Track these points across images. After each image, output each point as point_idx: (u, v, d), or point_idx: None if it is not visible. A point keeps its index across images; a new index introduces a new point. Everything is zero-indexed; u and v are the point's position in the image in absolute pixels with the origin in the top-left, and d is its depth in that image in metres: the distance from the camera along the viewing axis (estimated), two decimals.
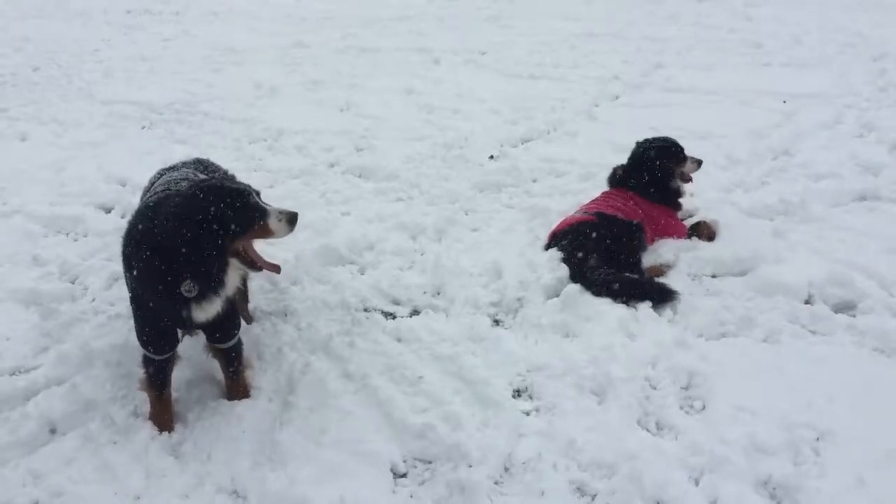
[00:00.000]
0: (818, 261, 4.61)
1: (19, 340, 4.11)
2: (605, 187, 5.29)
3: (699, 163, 5.23)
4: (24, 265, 4.90)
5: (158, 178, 3.92)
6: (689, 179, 5.25)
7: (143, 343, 3.36)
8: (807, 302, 4.29)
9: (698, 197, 5.69)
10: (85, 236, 5.38)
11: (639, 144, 5.25)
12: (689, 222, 5.21)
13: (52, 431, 3.48)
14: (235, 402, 3.60)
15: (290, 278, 4.74)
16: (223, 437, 3.41)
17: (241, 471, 3.21)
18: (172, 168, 4.06)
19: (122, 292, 4.30)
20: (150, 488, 3.15)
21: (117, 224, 5.40)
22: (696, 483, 3.07)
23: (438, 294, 4.60)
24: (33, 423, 3.46)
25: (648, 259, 4.83)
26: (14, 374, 3.86)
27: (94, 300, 4.45)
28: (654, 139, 5.25)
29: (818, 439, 3.23)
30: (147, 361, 3.41)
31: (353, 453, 3.29)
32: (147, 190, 3.91)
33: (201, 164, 4.16)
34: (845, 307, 4.23)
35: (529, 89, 9.16)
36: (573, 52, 10.91)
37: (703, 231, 5.06)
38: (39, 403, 3.58)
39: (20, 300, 4.47)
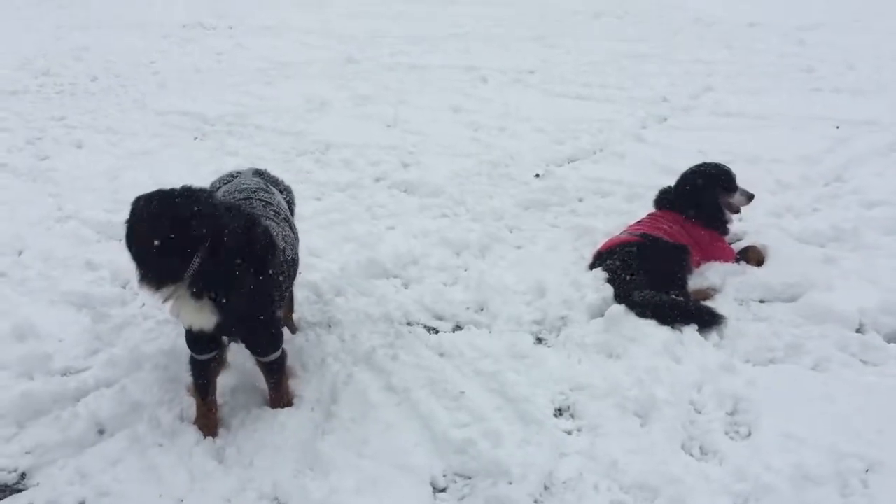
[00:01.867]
0: (870, 289, 4.51)
1: (71, 342, 4.21)
2: (651, 209, 5.25)
3: (750, 197, 5.14)
4: (78, 269, 5.03)
5: (228, 182, 4.01)
6: (737, 211, 5.16)
7: (188, 342, 3.44)
8: (858, 331, 4.20)
9: (747, 221, 5.61)
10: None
11: (689, 169, 5.21)
12: (737, 246, 5.14)
13: (100, 432, 3.56)
14: (279, 410, 3.64)
15: (334, 289, 4.79)
16: (266, 444, 3.45)
17: (282, 478, 3.24)
18: (234, 175, 4.13)
19: None
20: (193, 491, 3.20)
21: None
22: None
23: (481, 310, 4.60)
24: (82, 424, 3.55)
25: (695, 283, 4.78)
26: (65, 374, 3.95)
27: (143, 305, 4.55)
28: (706, 165, 5.21)
29: (867, 471, 3.16)
30: (192, 363, 3.49)
31: (393, 465, 3.31)
32: (218, 184, 4.06)
33: (260, 175, 4.18)
34: None
35: (576, 109, 9.14)
36: (621, 73, 10.87)
37: (752, 256, 5.00)
38: (89, 404, 3.67)
39: (73, 303, 4.59)
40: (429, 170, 7.02)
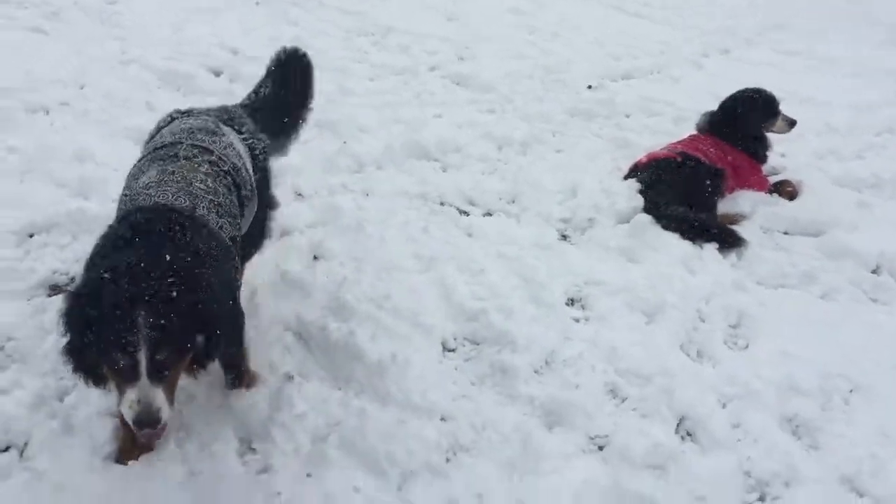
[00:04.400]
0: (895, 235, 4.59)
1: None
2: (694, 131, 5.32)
3: (792, 123, 5.19)
4: (138, 109, 5.24)
5: (169, 123, 3.17)
6: (783, 132, 5.21)
7: None
8: (874, 271, 4.31)
9: (789, 158, 5.67)
10: (194, 94, 5.70)
11: (732, 94, 5.25)
12: (773, 179, 5.21)
13: None
14: (314, 263, 3.89)
15: (376, 163, 4.99)
16: (295, 289, 3.70)
17: (309, 319, 3.49)
18: (188, 114, 3.25)
19: None
20: None
21: (225, 87, 5.70)
22: (724, 406, 3.24)
23: (513, 202, 4.77)
24: None
25: (725, 206, 4.89)
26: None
27: None
28: (749, 90, 5.24)
29: (851, 391, 3.36)
30: None
31: (409, 322, 3.56)
32: (153, 135, 3.16)
33: (227, 115, 3.28)
34: None
35: (633, 27, 9.04)
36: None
37: (786, 189, 5.07)
38: None
39: (132, 138, 4.80)
40: (483, 66, 7.07)
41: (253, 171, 3.15)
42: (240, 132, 3.20)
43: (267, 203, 3.36)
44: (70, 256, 3.72)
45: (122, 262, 2.25)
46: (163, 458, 2.67)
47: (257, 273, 3.68)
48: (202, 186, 2.69)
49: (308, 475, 2.74)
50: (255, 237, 3.28)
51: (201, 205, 2.63)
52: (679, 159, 4.85)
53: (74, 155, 4.45)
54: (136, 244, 2.35)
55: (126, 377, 2.21)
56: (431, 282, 3.86)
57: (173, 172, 2.68)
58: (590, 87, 6.88)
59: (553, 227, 4.53)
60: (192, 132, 2.95)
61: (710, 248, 4.34)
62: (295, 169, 4.75)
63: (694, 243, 4.38)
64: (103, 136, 4.79)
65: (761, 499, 2.86)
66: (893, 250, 4.40)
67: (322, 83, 6.04)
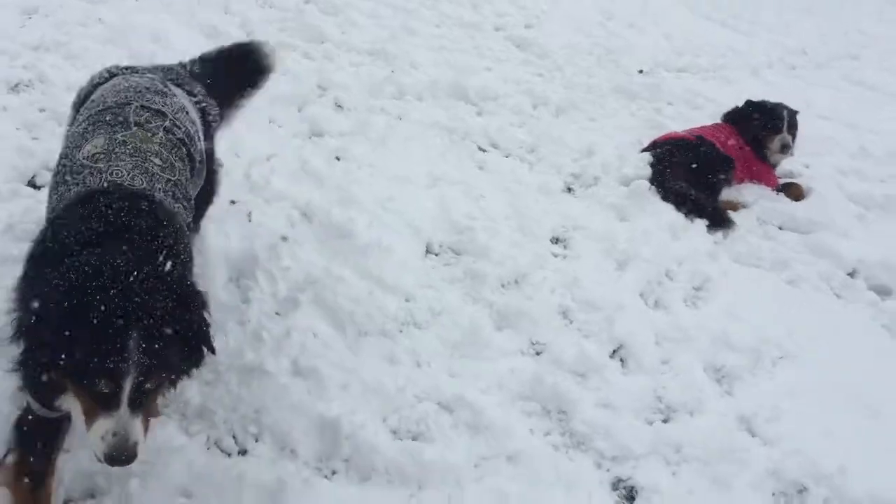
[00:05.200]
0: (881, 248, 4.78)
1: None
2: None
3: (785, 146, 5.27)
4: (216, 9, 5.80)
5: (108, 80, 2.74)
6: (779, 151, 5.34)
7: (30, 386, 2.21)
8: (849, 274, 4.53)
9: (811, 169, 5.86)
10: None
11: (754, 99, 5.49)
12: (784, 181, 5.44)
13: None
14: (335, 162, 4.37)
15: (418, 95, 5.43)
16: (313, 179, 4.18)
17: (316, 203, 3.96)
18: (130, 70, 2.86)
19: None
20: None
21: None
22: (658, 344, 3.60)
23: (532, 152, 5.15)
24: None
25: (729, 194, 5.16)
26: None
27: None
28: (766, 103, 5.44)
29: (781, 357, 3.66)
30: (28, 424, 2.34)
31: (404, 223, 4.01)
32: (87, 93, 2.75)
33: (174, 75, 2.94)
34: (881, 290, 4.43)
35: (708, 30, 9.23)
36: (778, 15, 10.71)
37: (793, 191, 5.31)
38: None
39: (205, 33, 5.39)
40: (546, 35, 7.43)
41: (204, 137, 2.81)
42: (191, 94, 2.82)
43: (214, 167, 3.08)
44: None
45: (103, 265, 1.89)
46: None
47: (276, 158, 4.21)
48: (158, 162, 2.33)
49: (277, 313, 3.22)
50: (207, 194, 3.05)
51: (158, 186, 2.27)
52: (694, 141, 5.15)
53: (152, 36, 5.01)
54: (108, 241, 1.99)
55: (102, 404, 1.87)
56: (434, 196, 4.30)
57: (125, 142, 2.31)
58: (641, 71, 7.16)
59: (562, 178, 4.90)
60: (140, 92, 2.56)
61: (700, 224, 4.64)
62: (341, 86, 5.25)
63: (686, 216, 4.69)
64: (180, 24, 5.34)
65: (665, 420, 3.21)
66: (875, 260, 4.60)
67: (389, 20, 6.55)
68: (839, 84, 8.57)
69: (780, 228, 4.94)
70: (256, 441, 2.70)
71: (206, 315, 2.05)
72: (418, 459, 2.68)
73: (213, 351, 2.07)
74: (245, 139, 4.31)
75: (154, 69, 2.92)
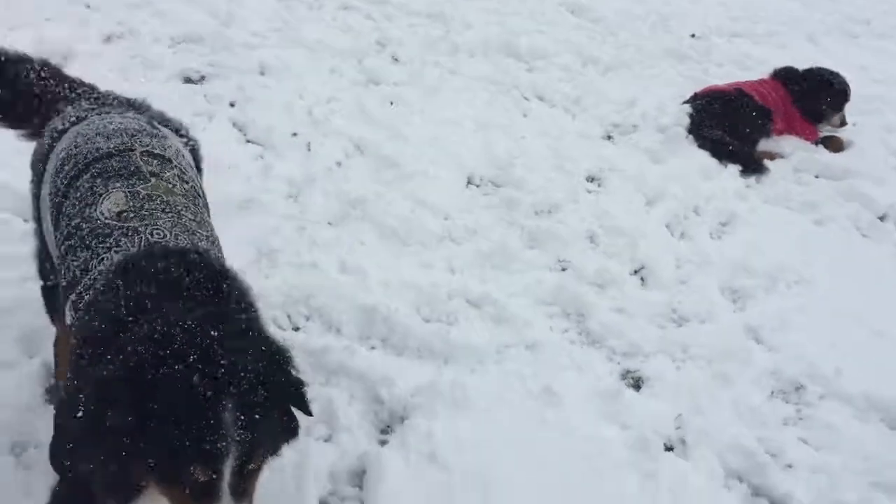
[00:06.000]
0: None
1: (258, 22, 5.50)
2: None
3: (843, 123, 5.49)
4: None
5: (80, 121, 2.28)
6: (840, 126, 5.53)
7: None
8: (880, 218, 4.68)
9: (858, 127, 5.93)
10: None
11: (822, 68, 5.63)
12: (825, 134, 5.58)
13: None
14: (388, 106, 4.79)
15: (469, 51, 5.79)
16: (364, 117, 4.61)
17: (368, 137, 4.39)
18: (101, 107, 2.41)
19: None
20: None
21: None
22: (678, 267, 3.88)
23: (576, 103, 5.45)
24: None
25: (767, 145, 5.36)
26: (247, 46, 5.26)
27: None
28: (833, 74, 5.57)
29: (796, 282, 3.89)
30: None
31: (449, 157, 4.40)
32: (59, 134, 2.26)
33: (143, 108, 2.48)
34: None
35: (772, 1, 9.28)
36: None
37: (833, 144, 5.45)
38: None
39: None
40: (601, 2, 7.65)
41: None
42: (178, 132, 2.48)
43: None
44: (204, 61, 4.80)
45: (172, 328, 1.55)
46: None
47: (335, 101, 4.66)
48: (190, 216, 2.05)
49: (329, 223, 3.66)
50: None
51: (200, 244, 1.98)
52: (733, 93, 5.36)
53: None
54: (170, 304, 1.66)
55: (197, 498, 1.54)
56: (478, 138, 4.67)
57: (150, 197, 2.00)
58: (693, 35, 7.33)
59: (602, 127, 5.20)
60: (136, 136, 2.19)
61: (732, 168, 4.87)
62: (398, 42, 5.67)
63: (720, 162, 4.93)
64: None
65: (678, 325, 3.51)
66: None
67: None
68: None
69: (816, 177, 5.11)
70: (307, 320, 3.13)
71: (298, 374, 1.72)
72: (445, 339, 3.07)
73: (310, 413, 1.73)
74: (308, 85, 4.80)
75: (118, 102, 2.48)
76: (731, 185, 4.69)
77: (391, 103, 4.85)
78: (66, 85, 2.52)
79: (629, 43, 6.76)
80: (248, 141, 4.23)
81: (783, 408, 3.14)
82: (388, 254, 3.56)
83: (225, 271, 1.87)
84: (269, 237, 3.45)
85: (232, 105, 4.49)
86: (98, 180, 2.03)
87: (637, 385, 3.17)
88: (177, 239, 1.91)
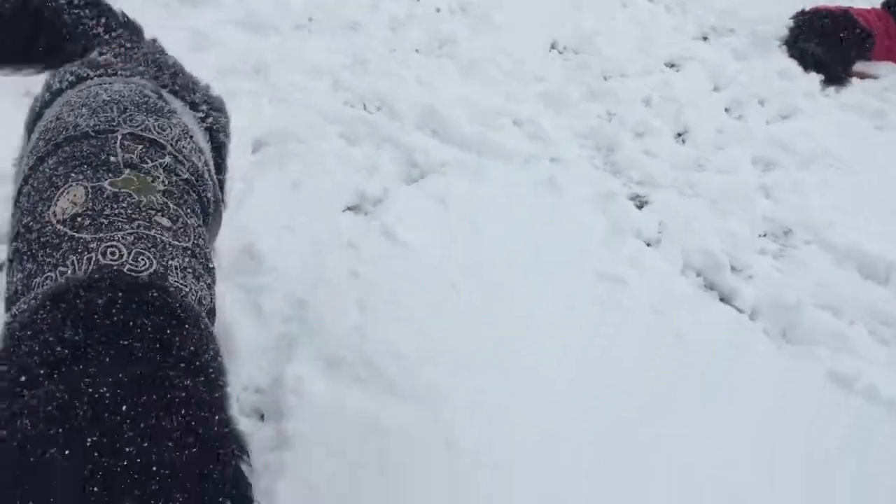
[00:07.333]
0: None
1: None
2: None
3: None
4: None
5: (77, 83, 1.93)
6: None
7: None
8: None
9: None
10: None
11: None
12: None
13: None
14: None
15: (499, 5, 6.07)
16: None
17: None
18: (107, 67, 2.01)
19: None
20: None
21: None
22: (719, 134, 4.29)
23: (680, 3, 5.79)
24: None
25: (865, 67, 5.51)
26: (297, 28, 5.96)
27: None
28: None
29: (831, 166, 4.16)
30: None
31: (537, 24, 4.97)
32: (47, 101, 1.93)
33: (162, 67, 2.10)
34: None
35: None
36: None
37: None
38: None
39: None
40: None
41: (215, 169, 2.08)
42: (194, 105, 2.06)
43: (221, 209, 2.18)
44: None
45: (78, 398, 1.18)
46: None
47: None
48: (165, 223, 1.65)
49: (417, 50, 4.39)
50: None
51: (173, 263, 1.57)
52: (840, 14, 5.53)
53: None
54: (90, 361, 1.27)
55: None
56: (571, 14, 5.20)
57: (115, 197, 1.62)
58: None
59: (698, 28, 5.54)
60: (126, 111, 1.83)
61: (814, 75, 5.10)
62: None
63: (805, 70, 5.18)
64: None
65: (698, 171, 3.96)
66: None
67: None
68: None
69: None
70: (378, 109, 3.88)
71: (240, 470, 1.30)
72: (484, 138, 3.72)
73: None
74: None
75: (134, 55, 2.08)
76: (806, 86, 4.94)
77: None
78: (104, 21, 2.15)
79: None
80: None
81: (768, 244, 3.55)
82: (460, 79, 4.23)
83: (185, 316, 1.44)
84: (364, 52, 4.22)
85: None
86: (61, 168, 1.66)
87: (640, 206, 3.67)
88: (136, 261, 1.49)
